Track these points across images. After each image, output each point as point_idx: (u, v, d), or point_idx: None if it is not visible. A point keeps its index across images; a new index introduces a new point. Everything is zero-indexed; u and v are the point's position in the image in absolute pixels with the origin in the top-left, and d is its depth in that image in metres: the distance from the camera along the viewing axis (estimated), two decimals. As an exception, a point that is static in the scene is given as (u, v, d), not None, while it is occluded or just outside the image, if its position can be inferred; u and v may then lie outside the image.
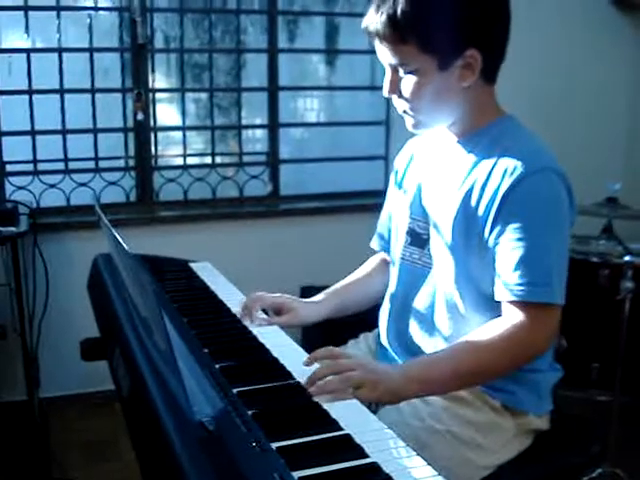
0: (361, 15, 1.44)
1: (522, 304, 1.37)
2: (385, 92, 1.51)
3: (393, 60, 1.45)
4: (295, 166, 3.94)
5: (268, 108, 3.76)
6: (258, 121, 3.92)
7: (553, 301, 1.38)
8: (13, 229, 2.79)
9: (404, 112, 1.52)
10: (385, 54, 1.46)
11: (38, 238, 3.12)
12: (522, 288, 1.37)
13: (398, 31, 1.39)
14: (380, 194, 3.83)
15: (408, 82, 1.45)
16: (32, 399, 2.94)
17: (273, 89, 3.74)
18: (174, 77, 3.70)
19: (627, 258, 2.48)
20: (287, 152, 3.89)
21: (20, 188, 3.35)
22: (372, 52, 3.96)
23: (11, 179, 3.33)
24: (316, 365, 1.33)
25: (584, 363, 2.84)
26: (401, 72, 1.46)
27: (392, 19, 1.39)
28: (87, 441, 2.98)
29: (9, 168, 3.32)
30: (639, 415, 2.90)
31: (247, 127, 3.91)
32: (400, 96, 1.49)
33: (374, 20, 1.43)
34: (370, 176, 3.97)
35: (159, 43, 3.62)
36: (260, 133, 3.96)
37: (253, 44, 3.82)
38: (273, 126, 3.78)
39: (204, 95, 3.75)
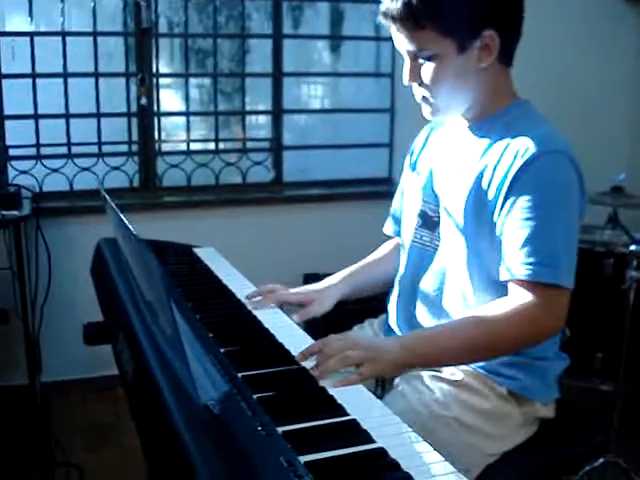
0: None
1: (528, 284, 1.36)
2: (405, 80, 1.50)
3: (411, 47, 1.44)
4: (299, 153, 3.92)
5: (272, 94, 3.75)
6: (262, 107, 3.91)
7: (559, 283, 1.36)
8: (16, 213, 2.79)
9: (423, 99, 1.51)
10: (403, 41, 1.45)
11: (41, 222, 3.11)
12: (528, 267, 1.36)
13: (415, 16, 1.39)
14: (384, 182, 3.87)
15: (428, 68, 1.44)
16: (34, 384, 2.94)
17: (277, 75, 3.72)
18: (178, 62, 3.69)
19: (632, 247, 2.48)
20: (291, 139, 3.88)
21: (23, 172, 3.34)
22: (377, 39, 3.99)
23: (14, 163, 3.32)
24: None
25: (588, 352, 2.84)
26: (420, 59, 1.45)
27: (409, 4, 1.38)
28: (89, 426, 2.98)
29: (12, 152, 3.31)
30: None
31: (251, 113, 3.89)
32: (420, 84, 1.48)
33: (391, 7, 1.42)
34: (374, 164, 3.96)
35: (163, 28, 3.60)
36: (264, 119, 3.94)
37: (257, 30, 3.79)
38: (277, 112, 3.76)
39: (208, 80, 3.74)
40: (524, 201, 1.38)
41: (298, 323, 1.59)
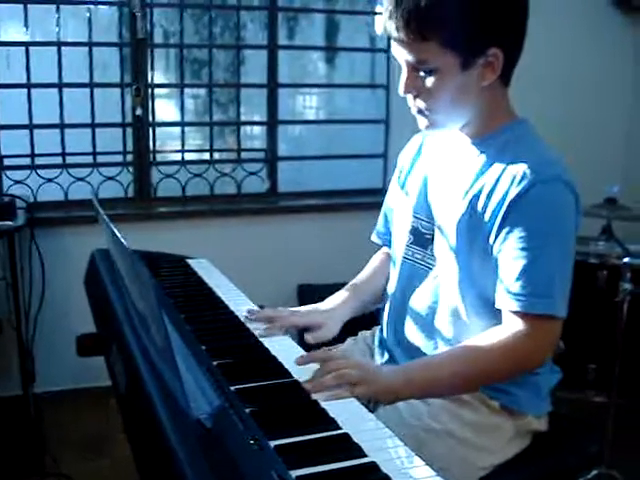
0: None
1: (522, 314, 1.36)
2: (401, 91, 1.46)
3: (411, 58, 1.39)
4: (293, 163, 3.93)
5: (267, 105, 3.75)
6: (257, 118, 3.91)
7: (553, 313, 1.36)
8: (10, 223, 2.79)
9: (418, 112, 1.47)
10: (402, 52, 1.40)
11: (35, 232, 3.10)
12: (523, 298, 1.35)
13: (420, 28, 1.34)
14: (379, 192, 3.87)
15: (427, 81, 1.40)
16: (27, 394, 2.93)
17: (272, 86, 3.73)
18: (173, 72, 3.69)
19: (626, 259, 2.48)
20: (285, 149, 3.88)
21: (17, 182, 3.34)
22: (372, 50, 3.99)
23: (8, 173, 3.32)
24: (313, 366, 1.33)
25: (581, 364, 2.84)
26: (420, 71, 1.41)
27: (414, 16, 1.33)
28: (81, 437, 2.97)
29: (7, 162, 3.31)
30: (635, 417, 2.90)
31: (246, 124, 3.89)
32: (416, 96, 1.45)
33: (394, 17, 1.36)
34: (369, 174, 3.97)
35: (159, 38, 3.61)
36: (258, 130, 3.95)
37: (253, 40, 3.81)
38: (272, 123, 3.76)
39: (203, 91, 3.75)
40: (519, 231, 1.37)
41: (292, 337, 1.58)
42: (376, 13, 3.95)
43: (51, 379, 3.26)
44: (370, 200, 3.79)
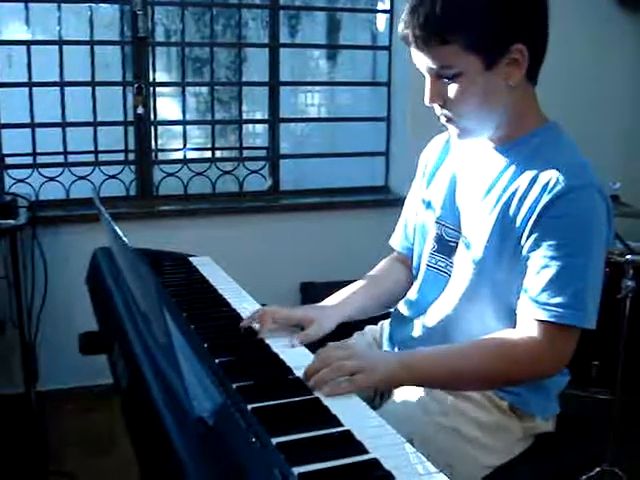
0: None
1: (546, 323, 1.32)
2: (427, 101, 1.42)
3: (433, 64, 1.36)
4: (295, 161, 3.92)
5: (269, 103, 3.75)
6: (259, 116, 3.92)
7: (583, 325, 1.33)
8: (12, 222, 2.79)
9: (447, 121, 1.44)
10: (424, 59, 1.37)
11: (37, 231, 3.10)
12: (554, 309, 1.31)
13: (439, 31, 1.31)
14: (381, 190, 3.87)
15: (452, 87, 1.37)
16: (30, 392, 2.93)
17: (274, 84, 3.72)
18: (175, 71, 3.70)
19: (628, 257, 2.48)
20: (287, 147, 3.88)
21: (19, 181, 3.35)
22: (374, 47, 3.99)
23: (10, 172, 3.32)
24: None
25: (584, 361, 2.83)
26: (443, 78, 1.37)
27: (432, 20, 1.31)
28: (84, 435, 2.97)
29: (8, 161, 3.31)
30: (639, 414, 2.89)
31: (247, 122, 3.90)
32: (443, 105, 1.41)
33: (411, 23, 1.34)
34: (371, 172, 3.97)
35: (160, 36, 3.62)
36: (260, 128, 3.95)
37: (254, 38, 3.81)
38: (274, 121, 3.76)
39: (205, 89, 3.75)
40: (551, 238, 1.33)
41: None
42: (378, 11, 3.95)
43: (54, 377, 3.26)
44: (372, 198, 3.80)
